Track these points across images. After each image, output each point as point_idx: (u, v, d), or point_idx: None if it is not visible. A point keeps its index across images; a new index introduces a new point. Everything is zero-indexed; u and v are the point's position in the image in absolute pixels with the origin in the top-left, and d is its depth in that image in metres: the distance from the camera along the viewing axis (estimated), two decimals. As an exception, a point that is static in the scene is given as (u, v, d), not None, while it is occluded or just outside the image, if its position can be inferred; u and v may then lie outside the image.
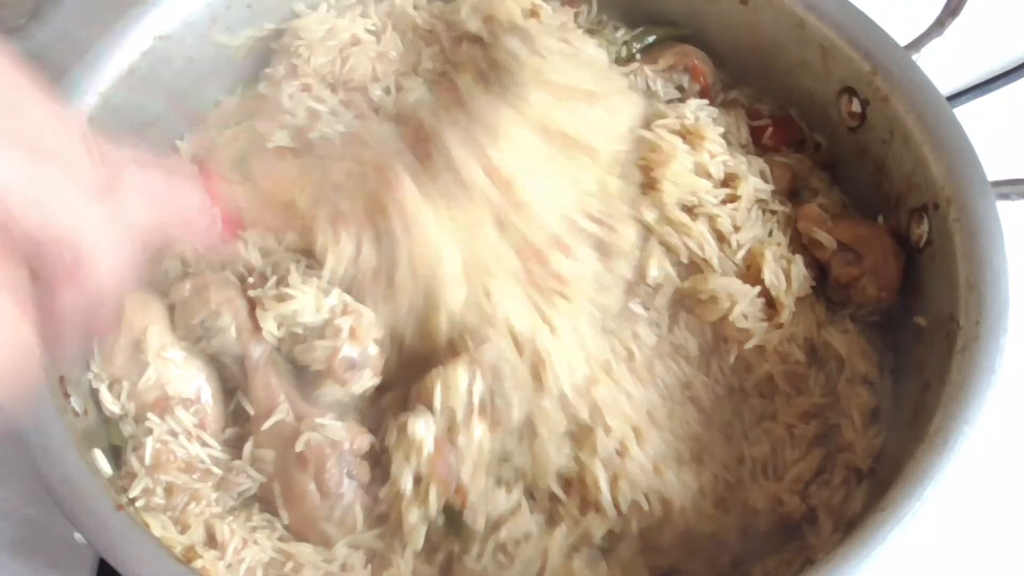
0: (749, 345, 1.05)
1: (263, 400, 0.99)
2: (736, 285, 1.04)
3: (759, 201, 1.11)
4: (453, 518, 0.95)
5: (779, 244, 1.08)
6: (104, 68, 1.07)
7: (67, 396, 0.94)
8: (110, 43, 1.08)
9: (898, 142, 1.08)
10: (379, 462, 0.98)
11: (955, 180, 1.01)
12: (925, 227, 1.05)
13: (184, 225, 0.82)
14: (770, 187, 1.11)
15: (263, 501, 0.99)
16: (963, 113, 1.08)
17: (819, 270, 1.09)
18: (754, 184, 1.10)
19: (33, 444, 0.87)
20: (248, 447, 0.99)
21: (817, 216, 1.10)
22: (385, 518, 0.96)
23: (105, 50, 1.07)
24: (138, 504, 0.96)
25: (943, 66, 1.11)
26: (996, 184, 1.01)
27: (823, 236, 1.08)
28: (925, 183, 1.04)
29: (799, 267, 1.07)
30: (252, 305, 1.02)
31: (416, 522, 0.94)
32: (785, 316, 1.05)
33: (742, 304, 1.04)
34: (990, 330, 0.92)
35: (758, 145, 1.18)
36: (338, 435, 0.97)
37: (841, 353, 1.05)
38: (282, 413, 0.98)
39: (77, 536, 0.86)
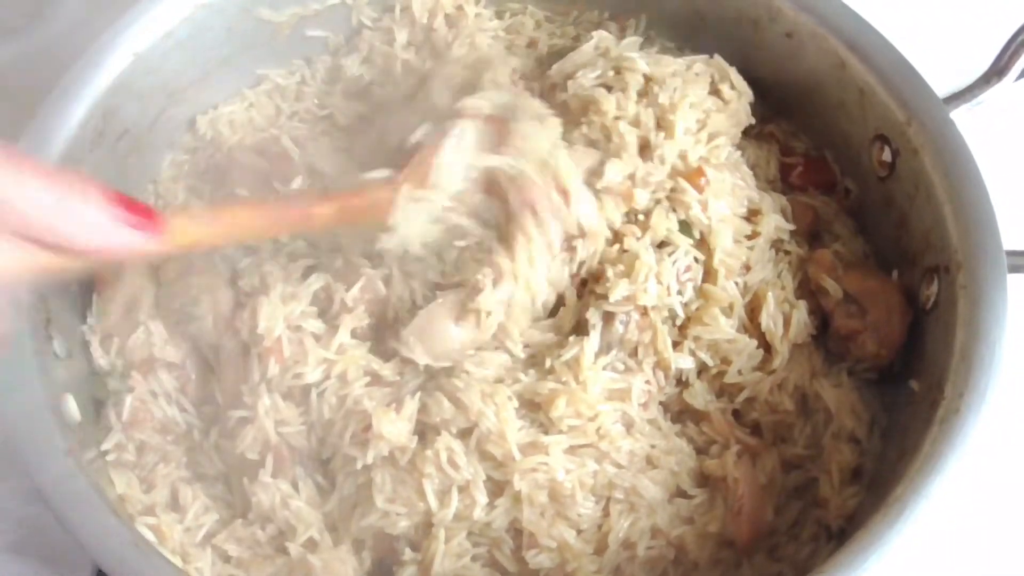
0: (740, 399, 1.03)
1: (230, 393, 1.01)
2: (734, 343, 1.02)
3: (775, 241, 1.08)
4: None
5: (784, 288, 1.06)
6: (141, 29, 1.09)
7: (49, 337, 0.97)
8: (149, 5, 1.10)
9: (922, 198, 1.04)
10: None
11: (969, 245, 0.97)
12: (935, 289, 1.01)
13: (75, 247, 0.73)
14: (790, 226, 1.09)
15: (226, 481, 1.02)
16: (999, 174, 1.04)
17: (822, 318, 1.07)
18: (776, 222, 1.08)
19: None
20: (214, 434, 1.02)
21: (829, 263, 1.07)
22: (334, 528, 0.98)
23: (144, 12, 1.09)
24: (108, 458, 0.99)
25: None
26: (1012, 254, 0.97)
27: (830, 284, 1.05)
28: (941, 244, 1.00)
29: (801, 313, 1.04)
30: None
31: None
32: (778, 363, 1.03)
33: (737, 363, 1.02)
34: (971, 405, 0.88)
35: (785, 182, 1.16)
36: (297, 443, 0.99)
37: (830, 407, 1.02)
38: (244, 411, 0.99)
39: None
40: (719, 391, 1.04)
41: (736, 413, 1.04)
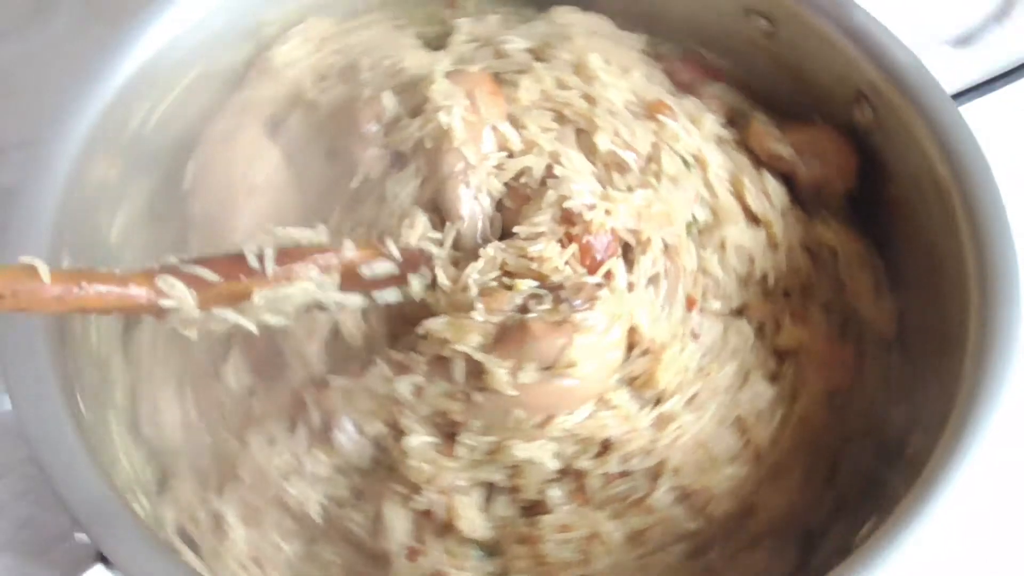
0: (772, 283, 1.11)
1: None
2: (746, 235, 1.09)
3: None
4: None
5: (744, 168, 1.14)
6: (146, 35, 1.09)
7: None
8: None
9: (813, 43, 1.15)
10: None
11: (887, 62, 1.09)
12: (868, 111, 1.13)
13: None
14: (721, 119, 1.17)
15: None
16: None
17: (784, 181, 1.16)
18: (710, 120, 1.15)
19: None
20: None
21: (768, 132, 1.16)
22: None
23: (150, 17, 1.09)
24: None
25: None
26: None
27: (783, 148, 1.15)
28: (853, 72, 1.12)
29: (772, 182, 1.13)
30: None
31: None
32: (778, 231, 1.11)
33: (761, 259, 1.09)
34: (972, 168, 1.01)
35: (678, 85, 1.23)
36: None
37: (834, 245, 1.13)
38: None
39: (78, 536, 0.87)
40: (745, 284, 1.11)
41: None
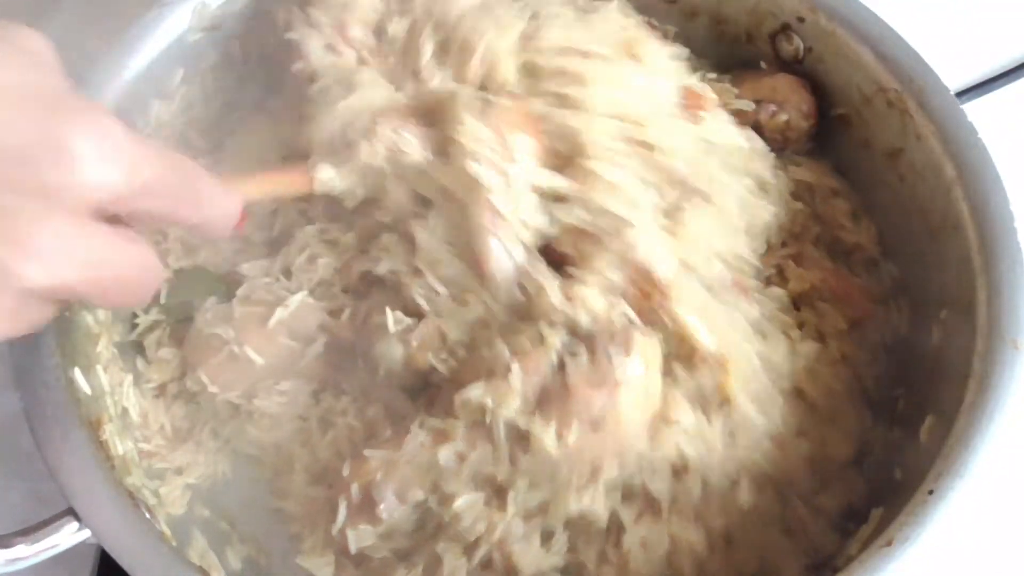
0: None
1: None
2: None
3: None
4: None
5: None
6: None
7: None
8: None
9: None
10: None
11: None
12: (797, 41, 1.16)
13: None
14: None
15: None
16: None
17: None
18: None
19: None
20: None
21: (724, 90, 1.16)
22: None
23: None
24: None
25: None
26: None
27: (742, 103, 1.16)
28: (774, 8, 1.16)
29: (742, 135, 1.12)
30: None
31: None
32: (769, 177, 1.12)
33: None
34: (926, 82, 1.06)
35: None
36: None
37: (809, 180, 1.17)
38: None
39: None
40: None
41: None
